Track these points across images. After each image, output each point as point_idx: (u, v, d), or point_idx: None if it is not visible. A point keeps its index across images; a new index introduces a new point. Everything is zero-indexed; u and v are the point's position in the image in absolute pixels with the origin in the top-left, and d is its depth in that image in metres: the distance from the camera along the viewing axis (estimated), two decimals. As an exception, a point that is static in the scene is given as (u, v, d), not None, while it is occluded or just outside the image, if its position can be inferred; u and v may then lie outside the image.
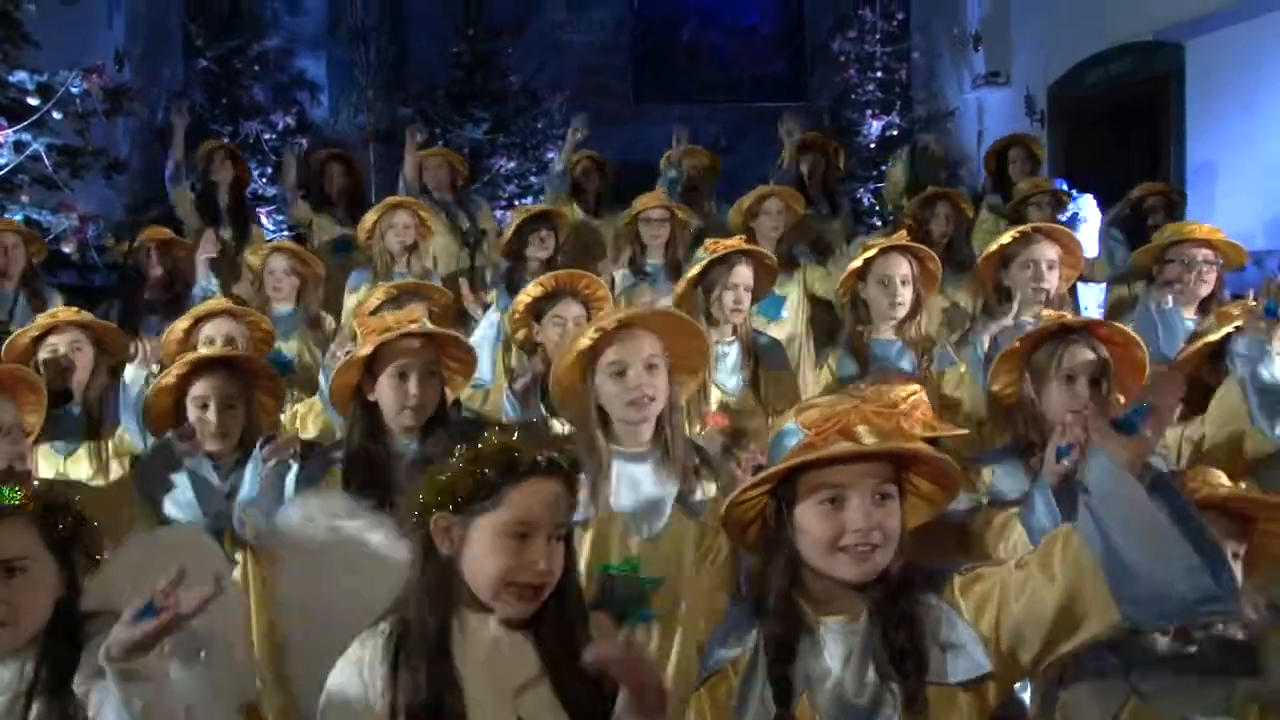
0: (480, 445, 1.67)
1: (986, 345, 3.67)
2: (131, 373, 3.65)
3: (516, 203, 8.84)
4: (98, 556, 1.86)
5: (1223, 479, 2.18)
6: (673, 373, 2.56)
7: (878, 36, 9.88)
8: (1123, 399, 2.66)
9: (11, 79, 5.76)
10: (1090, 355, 2.63)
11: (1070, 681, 2.05)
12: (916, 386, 2.29)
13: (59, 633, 1.78)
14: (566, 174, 6.22)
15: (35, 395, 3.17)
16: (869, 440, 1.74)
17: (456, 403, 3.22)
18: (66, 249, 5.86)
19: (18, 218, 5.66)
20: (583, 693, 1.69)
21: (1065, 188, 6.07)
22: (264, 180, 8.53)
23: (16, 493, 1.75)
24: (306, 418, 3.73)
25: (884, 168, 9.44)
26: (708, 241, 3.91)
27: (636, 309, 2.66)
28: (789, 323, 4.73)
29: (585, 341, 2.51)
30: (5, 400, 2.86)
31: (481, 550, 1.68)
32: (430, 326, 2.86)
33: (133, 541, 2.16)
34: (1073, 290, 4.61)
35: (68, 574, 1.80)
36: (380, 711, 1.65)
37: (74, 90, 5.87)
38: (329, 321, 5.11)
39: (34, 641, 1.78)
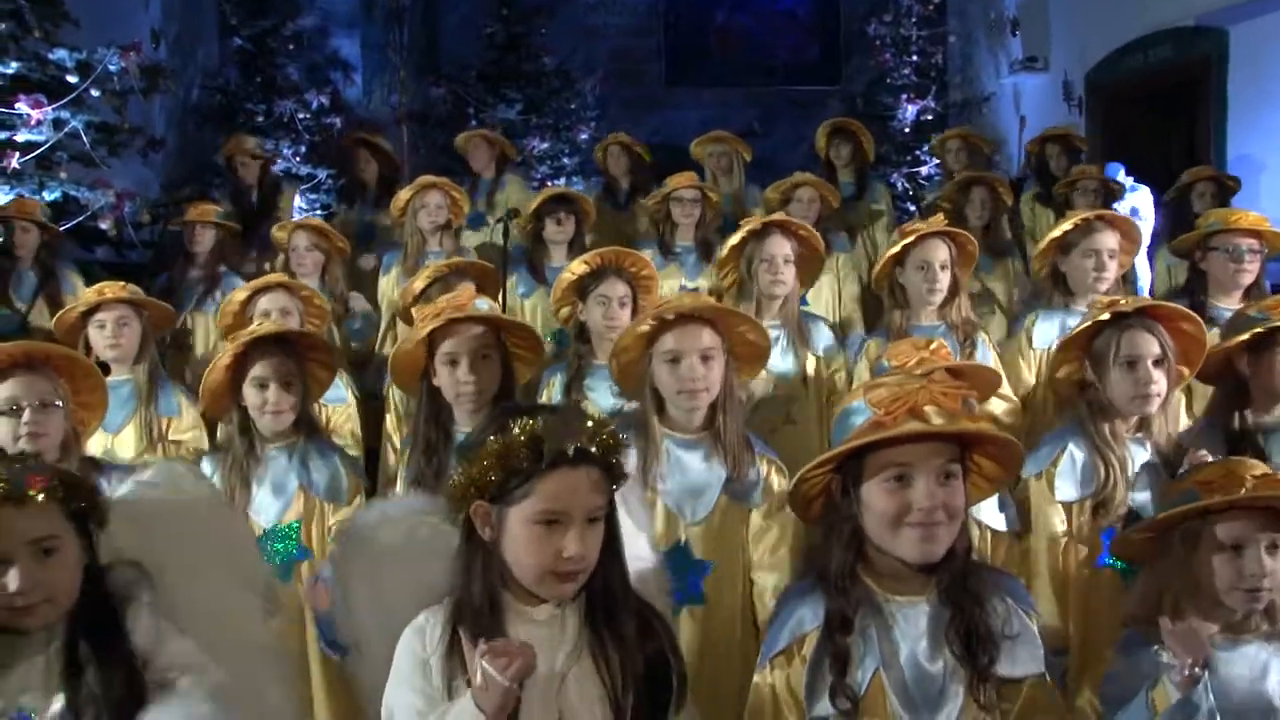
0: (509, 436, 1.66)
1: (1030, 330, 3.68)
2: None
3: (549, 183, 8.83)
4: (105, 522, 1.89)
5: (1259, 469, 2.08)
6: (730, 363, 2.61)
7: (913, 20, 9.80)
8: (1186, 371, 2.72)
9: (51, 56, 5.79)
10: (1149, 338, 2.62)
11: None
12: (937, 339, 2.25)
13: (88, 598, 1.83)
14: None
15: (91, 382, 2.82)
16: (937, 421, 1.75)
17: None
18: (103, 225, 5.90)
19: (56, 194, 5.71)
20: (621, 670, 1.72)
21: (1124, 173, 5.99)
22: (297, 159, 8.56)
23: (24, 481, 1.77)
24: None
25: (918, 152, 9.41)
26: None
27: (699, 300, 2.68)
28: (817, 309, 4.66)
29: (644, 328, 2.58)
30: (39, 378, 2.64)
31: (516, 538, 1.69)
32: (482, 310, 2.81)
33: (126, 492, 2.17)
34: (1127, 275, 4.55)
35: (87, 542, 1.85)
36: (438, 679, 1.70)
37: (111, 68, 5.89)
38: (357, 299, 5.12)
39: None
